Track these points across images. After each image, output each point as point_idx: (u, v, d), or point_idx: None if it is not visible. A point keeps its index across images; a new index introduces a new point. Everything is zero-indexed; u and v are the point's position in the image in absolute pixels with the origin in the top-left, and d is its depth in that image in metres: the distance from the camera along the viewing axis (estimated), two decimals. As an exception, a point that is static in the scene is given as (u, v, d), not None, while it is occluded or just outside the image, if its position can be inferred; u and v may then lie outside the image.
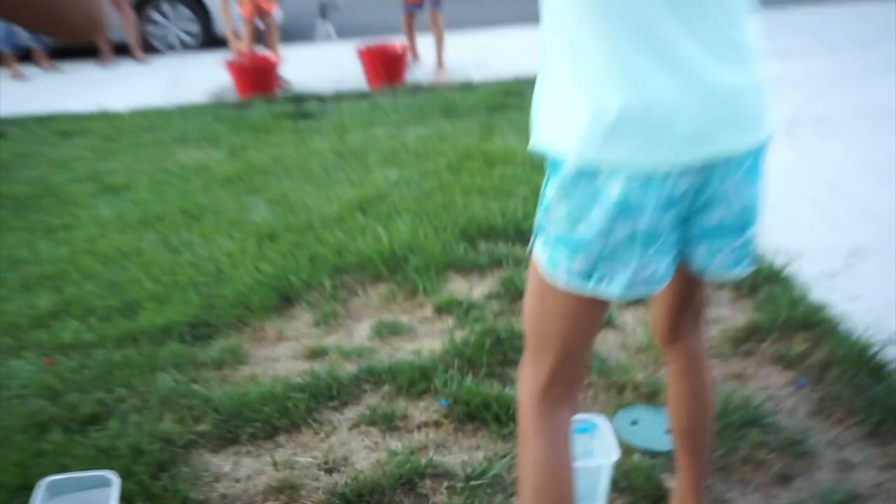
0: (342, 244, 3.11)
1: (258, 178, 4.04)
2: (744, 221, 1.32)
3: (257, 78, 5.93)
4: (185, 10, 7.37)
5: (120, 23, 6.93)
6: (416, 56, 6.59)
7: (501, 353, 2.38)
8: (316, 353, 2.46)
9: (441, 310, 2.66)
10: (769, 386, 2.20)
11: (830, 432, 2.02)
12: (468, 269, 2.97)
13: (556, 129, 1.23)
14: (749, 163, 1.27)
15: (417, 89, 5.90)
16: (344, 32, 7.57)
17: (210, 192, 3.88)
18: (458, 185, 3.66)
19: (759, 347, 2.36)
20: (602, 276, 1.25)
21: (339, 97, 5.80)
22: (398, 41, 6.30)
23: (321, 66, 6.26)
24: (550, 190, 1.25)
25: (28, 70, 6.95)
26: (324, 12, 7.24)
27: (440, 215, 3.33)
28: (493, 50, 7.07)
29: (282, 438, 2.07)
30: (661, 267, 1.27)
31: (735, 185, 1.27)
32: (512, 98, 5.38)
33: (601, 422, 1.87)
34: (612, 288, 1.25)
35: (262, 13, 6.11)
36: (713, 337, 2.42)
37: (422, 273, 2.84)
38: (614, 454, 1.76)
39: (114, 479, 1.75)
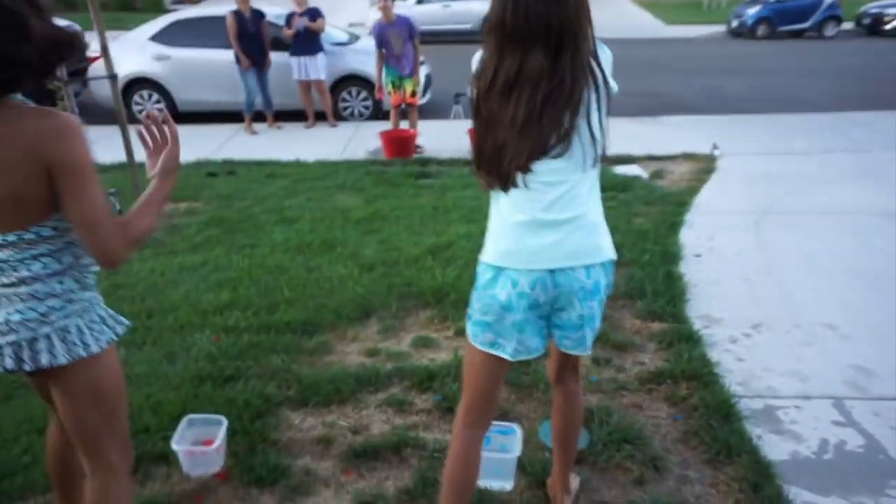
0: (411, 278, 3.46)
1: (378, 222, 4.44)
2: (581, 325, 1.58)
3: (399, 145, 6.40)
4: (363, 92, 7.94)
5: (320, 98, 7.58)
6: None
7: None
8: (371, 353, 2.82)
9: (459, 334, 2.96)
10: (655, 416, 2.36)
11: (683, 455, 2.17)
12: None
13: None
14: (584, 288, 1.53)
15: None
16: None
17: (344, 229, 4.32)
18: None
19: (658, 388, 2.51)
20: (499, 345, 1.58)
21: (452, 163, 6.14)
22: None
23: (448, 138, 6.61)
24: (473, 293, 1.58)
25: (258, 127, 7.73)
26: (456, 98, 7.62)
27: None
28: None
29: (333, 407, 2.45)
30: (534, 343, 1.59)
31: (573, 301, 1.54)
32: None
33: (516, 428, 2.15)
34: (505, 353, 1.58)
35: (407, 103, 6.56)
36: (630, 375, 2.60)
37: (454, 306, 3.13)
38: (518, 451, 2.04)
39: (224, 420, 2.21)
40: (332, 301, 3.23)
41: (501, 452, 2.06)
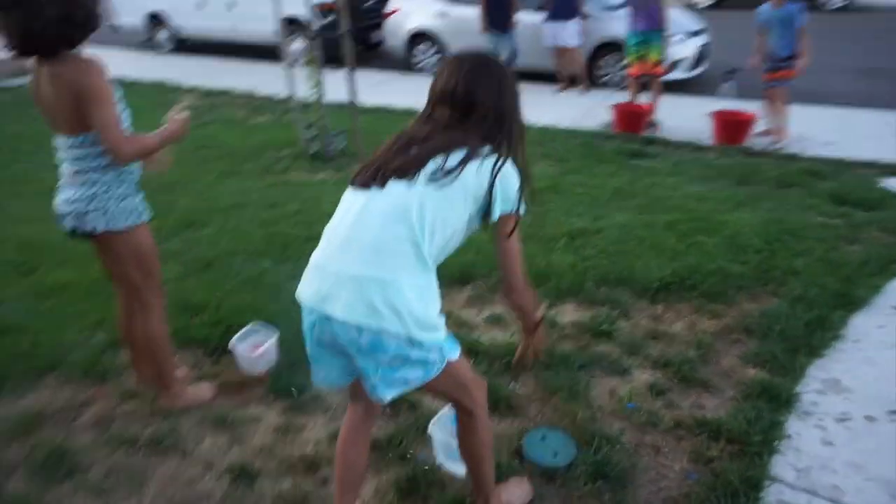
0: (535, 256, 3.43)
1: (548, 195, 4.40)
2: (369, 373, 1.53)
3: (628, 119, 6.05)
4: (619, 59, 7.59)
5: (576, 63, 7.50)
6: (773, 129, 5.73)
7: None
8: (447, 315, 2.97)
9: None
10: (665, 466, 2.08)
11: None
12: (581, 301, 3.05)
13: None
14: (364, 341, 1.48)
15: (747, 153, 5.37)
16: (743, 94, 6.98)
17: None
18: (649, 242, 3.59)
19: (692, 437, 2.18)
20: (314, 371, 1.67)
21: (680, 146, 5.61)
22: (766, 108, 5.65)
23: (696, 118, 6.01)
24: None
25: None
26: (726, 75, 6.78)
27: (604, 257, 3.41)
28: (848, 131, 5.87)
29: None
30: (332, 374, 1.65)
31: (358, 352, 1.51)
32: (807, 178, 4.62)
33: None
34: (316, 379, 1.67)
35: (650, 73, 6.09)
36: (674, 414, 2.28)
37: (550, 292, 3.06)
38: None
39: (276, 332, 2.64)
40: (455, 260, 3.41)
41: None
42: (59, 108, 1.90)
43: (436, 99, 1.60)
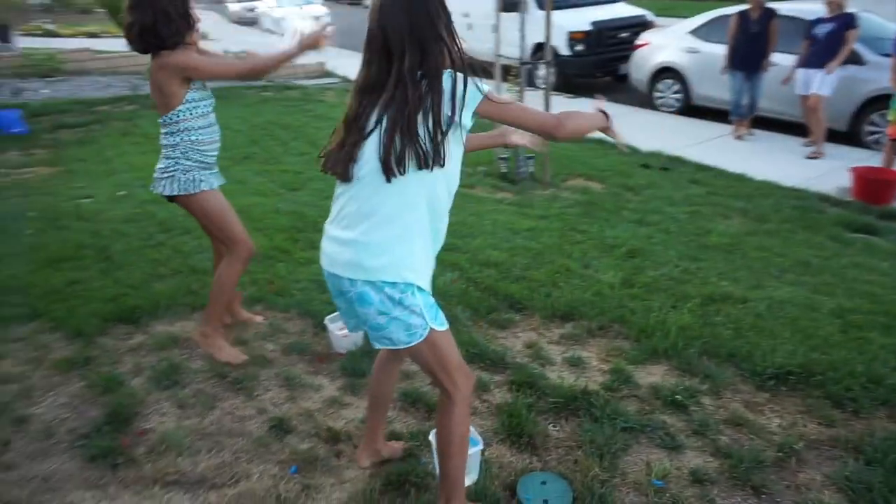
0: (652, 309, 3.24)
1: (726, 257, 4.00)
2: (367, 325, 1.76)
3: (869, 186, 5.13)
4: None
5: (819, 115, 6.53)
6: None
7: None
8: (533, 345, 3.00)
9: (571, 362, 2.79)
10: None
11: None
12: (675, 366, 2.82)
13: None
14: (354, 293, 1.71)
15: None
16: None
17: (678, 246, 4.13)
18: (799, 325, 3.11)
19: None
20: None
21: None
22: None
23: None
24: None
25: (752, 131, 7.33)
26: None
27: (730, 329, 3.06)
28: None
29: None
30: (350, 324, 1.91)
31: (351, 304, 1.75)
32: None
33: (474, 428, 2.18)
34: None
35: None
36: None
37: (641, 349, 2.89)
38: (481, 445, 2.19)
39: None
40: (565, 295, 3.40)
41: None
42: (152, 94, 2.55)
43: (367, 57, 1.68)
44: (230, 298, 2.96)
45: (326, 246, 1.79)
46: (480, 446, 2.17)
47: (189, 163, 2.61)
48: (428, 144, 1.59)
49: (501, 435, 2.39)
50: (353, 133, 1.68)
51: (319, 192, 5.24)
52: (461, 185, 5.65)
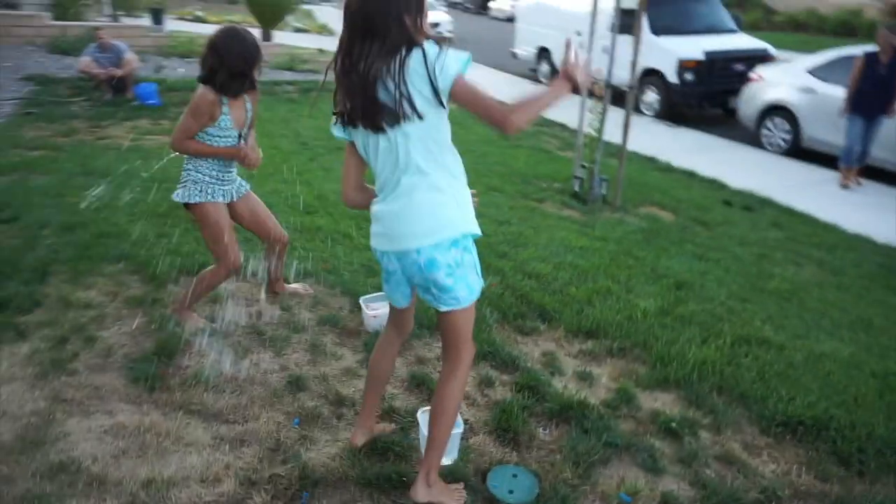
0: (682, 342, 3.24)
1: (780, 303, 3.90)
2: (428, 287, 1.92)
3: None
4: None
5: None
6: None
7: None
8: (551, 354, 3.12)
9: (580, 377, 2.86)
10: None
11: None
12: (684, 397, 2.84)
13: None
14: (421, 260, 1.87)
15: None
16: None
17: (755, 293, 4.07)
18: (832, 379, 3.02)
19: None
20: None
21: None
22: None
23: None
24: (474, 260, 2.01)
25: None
26: None
27: (753, 372, 3.02)
28: None
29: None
30: (397, 296, 2.10)
31: (417, 270, 1.90)
32: None
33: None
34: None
35: None
36: None
37: (654, 375, 2.92)
38: (461, 428, 2.36)
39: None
40: (595, 314, 3.48)
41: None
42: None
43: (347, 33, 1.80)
44: (274, 278, 3.38)
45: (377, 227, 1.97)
46: (461, 429, 2.35)
47: (201, 175, 2.92)
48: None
49: (490, 427, 2.55)
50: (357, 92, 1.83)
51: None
52: (530, 198, 5.81)
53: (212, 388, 2.64)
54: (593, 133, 5.67)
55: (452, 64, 1.75)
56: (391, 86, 1.76)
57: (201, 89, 2.82)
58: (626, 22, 11.14)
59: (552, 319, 3.43)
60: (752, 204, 6.05)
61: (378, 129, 1.83)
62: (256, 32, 13.49)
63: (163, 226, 4.16)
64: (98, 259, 3.64)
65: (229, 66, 2.76)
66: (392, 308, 2.23)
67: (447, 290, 1.91)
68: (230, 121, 2.89)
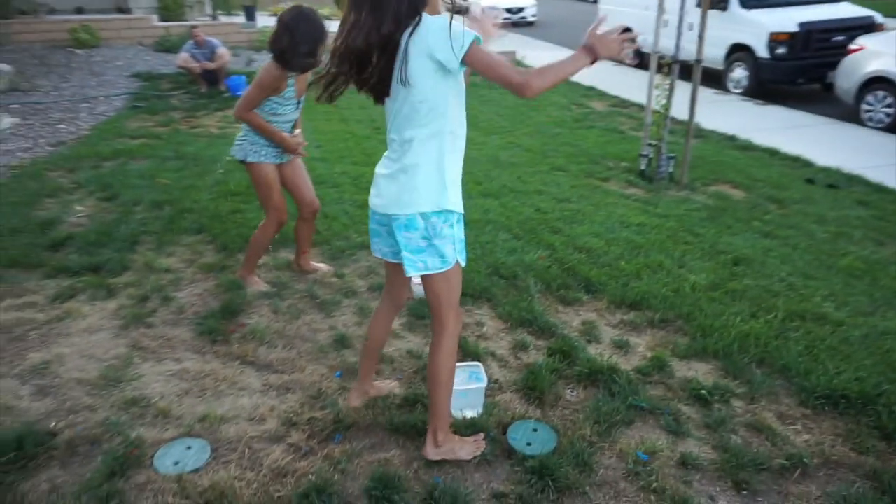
0: (733, 314, 3.21)
1: (851, 281, 3.74)
2: (398, 252, 2.06)
3: None
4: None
5: None
6: None
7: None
8: (593, 323, 3.18)
9: (616, 344, 2.88)
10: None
11: None
12: (722, 367, 2.84)
13: None
14: (396, 224, 2.01)
15: None
16: None
17: (823, 270, 3.93)
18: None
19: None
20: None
21: None
22: None
23: None
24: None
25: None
26: None
27: (802, 346, 2.95)
28: None
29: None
30: (381, 248, 2.20)
31: (393, 233, 2.06)
32: None
33: (481, 365, 2.61)
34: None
35: None
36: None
37: (695, 344, 2.92)
38: (485, 382, 2.52)
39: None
40: (641, 286, 3.49)
41: (472, 383, 2.48)
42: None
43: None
44: (300, 251, 3.59)
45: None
46: (485, 384, 2.49)
47: (257, 137, 3.18)
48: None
49: (518, 386, 2.67)
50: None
51: (459, 167, 5.73)
52: (594, 177, 5.81)
53: (266, 342, 2.93)
54: (661, 110, 5.55)
55: (463, 35, 1.81)
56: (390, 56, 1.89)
57: (268, 64, 3.03)
58: (713, -5, 10.63)
59: (597, 291, 3.48)
60: (839, 181, 5.70)
61: (379, 99, 1.98)
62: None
63: (237, 203, 4.55)
64: (180, 231, 4.06)
65: (299, 44, 2.94)
66: (387, 280, 2.37)
67: (418, 252, 2.00)
68: (294, 91, 3.16)
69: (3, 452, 2.18)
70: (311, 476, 2.16)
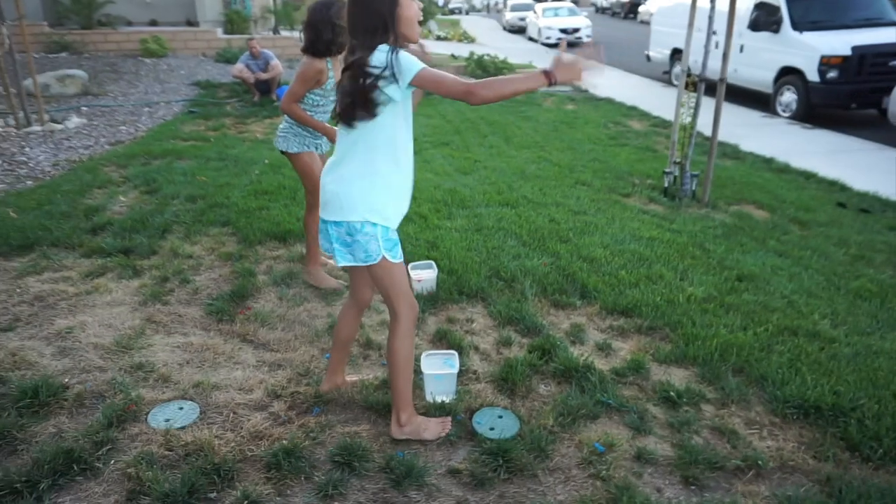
0: (744, 346, 3.25)
1: (867, 306, 3.72)
2: (337, 242, 2.26)
3: None
4: None
5: None
6: None
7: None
8: (580, 326, 3.29)
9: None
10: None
11: None
12: (699, 373, 2.89)
13: None
14: (329, 228, 2.23)
15: None
16: None
17: (831, 291, 3.92)
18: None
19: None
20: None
21: None
22: None
23: None
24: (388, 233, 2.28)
25: None
26: None
27: (800, 362, 2.97)
28: None
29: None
30: (324, 244, 2.37)
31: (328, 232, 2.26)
32: None
33: (455, 354, 2.74)
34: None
35: None
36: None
37: (676, 349, 2.98)
38: (457, 368, 2.69)
39: (433, 265, 3.56)
40: (636, 295, 3.57)
41: (446, 368, 2.64)
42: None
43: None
44: (313, 253, 3.72)
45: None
46: (455, 370, 2.64)
47: (299, 129, 3.41)
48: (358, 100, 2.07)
49: (494, 378, 2.81)
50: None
51: (483, 178, 5.92)
52: (616, 192, 5.92)
53: (266, 324, 3.18)
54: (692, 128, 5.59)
55: (409, 65, 2.02)
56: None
57: (306, 58, 3.29)
58: (761, 18, 10.63)
59: (591, 297, 3.58)
60: (873, 206, 5.59)
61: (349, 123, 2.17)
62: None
63: (265, 201, 4.87)
64: (208, 223, 4.40)
65: (321, 32, 3.20)
66: (350, 280, 2.53)
67: (346, 245, 2.21)
68: (334, 81, 3.38)
69: (21, 399, 2.48)
70: (283, 441, 2.37)
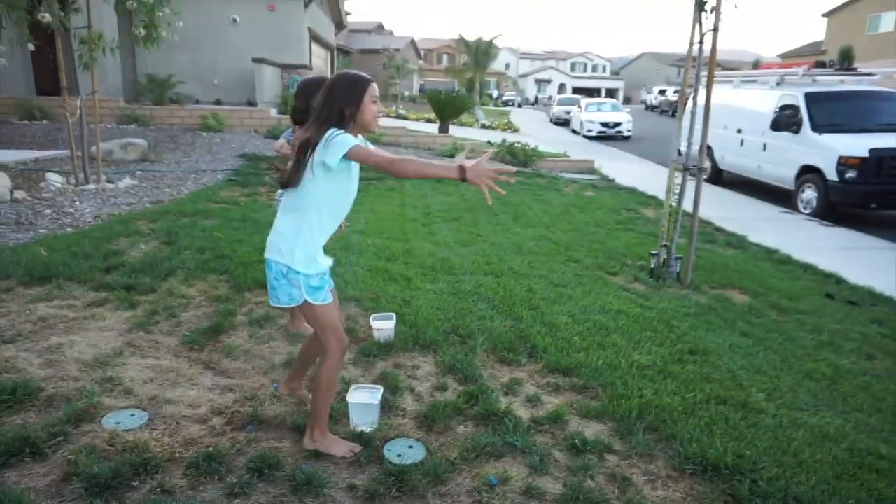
0: (671, 410, 3.42)
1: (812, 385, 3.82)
2: (268, 283, 2.66)
3: None
4: None
5: None
6: None
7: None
8: (519, 382, 3.52)
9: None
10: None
11: None
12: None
13: None
14: (266, 264, 2.64)
15: None
16: None
17: (782, 371, 4.03)
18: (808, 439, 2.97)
19: None
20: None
21: None
22: None
23: None
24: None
25: None
26: None
27: (722, 427, 3.10)
28: None
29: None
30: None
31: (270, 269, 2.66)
32: None
33: (380, 387, 3.02)
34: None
35: None
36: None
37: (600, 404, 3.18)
38: (379, 400, 2.99)
39: (394, 316, 3.89)
40: (581, 358, 3.79)
41: (368, 400, 2.94)
42: None
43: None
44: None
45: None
46: (377, 402, 2.93)
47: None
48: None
49: (418, 415, 3.07)
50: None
51: (479, 250, 6.31)
52: (603, 270, 6.18)
53: (230, 356, 3.57)
54: (682, 210, 5.88)
55: (344, 142, 2.42)
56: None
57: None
58: (782, 119, 11.02)
59: (538, 356, 3.82)
60: (862, 299, 5.64)
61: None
62: (435, 127, 15.26)
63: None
64: (208, 271, 4.91)
65: (296, 105, 3.66)
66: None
67: (276, 287, 2.60)
68: None
69: (1, 395, 2.92)
70: (209, 448, 2.69)
